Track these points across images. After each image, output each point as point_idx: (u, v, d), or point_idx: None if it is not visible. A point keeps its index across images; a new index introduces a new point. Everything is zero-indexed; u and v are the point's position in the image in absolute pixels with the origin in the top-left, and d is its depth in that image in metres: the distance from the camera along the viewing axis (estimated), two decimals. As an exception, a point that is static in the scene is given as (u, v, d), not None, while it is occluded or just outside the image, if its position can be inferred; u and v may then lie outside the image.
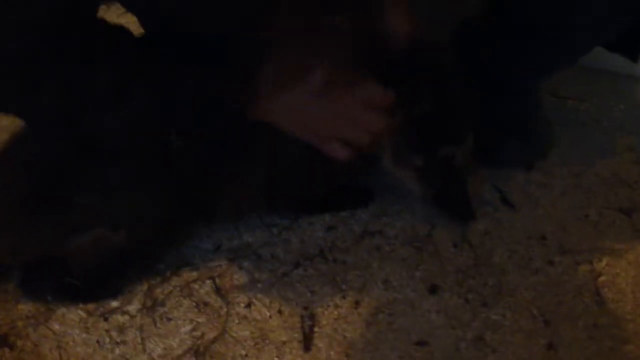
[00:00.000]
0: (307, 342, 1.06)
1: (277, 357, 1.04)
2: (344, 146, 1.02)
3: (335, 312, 1.10)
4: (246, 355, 1.04)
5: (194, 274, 1.14)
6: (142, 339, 1.06)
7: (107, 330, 1.07)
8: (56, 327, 1.07)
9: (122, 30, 0.99)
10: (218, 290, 1.11)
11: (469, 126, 1.13)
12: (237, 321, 1.08)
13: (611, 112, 1.41)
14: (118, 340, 1.06)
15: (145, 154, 1.05)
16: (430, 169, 1.10)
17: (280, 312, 1.09)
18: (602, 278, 1.13)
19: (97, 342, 1.06)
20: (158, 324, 1.08)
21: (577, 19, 1.17)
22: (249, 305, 1.10)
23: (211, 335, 1.06)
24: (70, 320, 1.08)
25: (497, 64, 1.28)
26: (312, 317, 1.09)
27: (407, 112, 1.03)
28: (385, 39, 1.08)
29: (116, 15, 1.24)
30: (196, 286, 1.12)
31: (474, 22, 1.32)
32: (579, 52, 1.25)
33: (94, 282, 1.09)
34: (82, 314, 1.09)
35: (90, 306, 1.10)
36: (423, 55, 1.09)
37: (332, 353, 1.05)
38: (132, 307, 1.10)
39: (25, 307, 1.10)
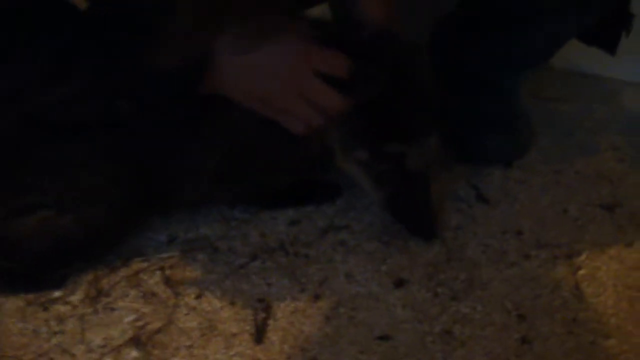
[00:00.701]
0: (258, 334, 0.98)
1: (225, 348, 0.96)
2: (299, 120, 0.98)
3: (292, 305, 1.02)
4: (191, 345, 0.96)
5: (144, 264, 1.07)
6: (82, 328, 0.98)
7: (45, 320, 0.99)
8: (-9, 316, 1.00)
9: (64, 1, 0.95)
10: (167, 281, 1.04)
11: (425, 127, 1.05)
12: (185, 312, 1.00)
13: (594, 113, 1.36)
14: (56, 329, 0.98)
15: (93, 130, 1.00)
16: (378, 166, 1.03)
17: (232, 303, 1.01)
18: (581, 272, 1.05)
19: (34, 331, 0.98)
20: (100, 314, 1.00)
21: (545, 5, 1.14)
22: (199, 297, 1.02)
23: (156, 325, 0.98)
24: (7, 310, 1.00)
25: (474, 59, 1.25)
26: (267, 309, 1.01)
27: (353, 95, 0.98)
28: (355, 23, 1.05)
29: None
30: (145, 277, 1.05)
31: (452, 18, 1.29)
32: (553, 43, 1.21)
33: (37, 269, 1.02)
34: (21, 303, 1.01)
35: (30, 296, 1.02)
36: (386, 44, 1.04)
37: (285, 346, 0.96)
38: (75, 297, 1.02)
39: (-41, 295, 1.03)
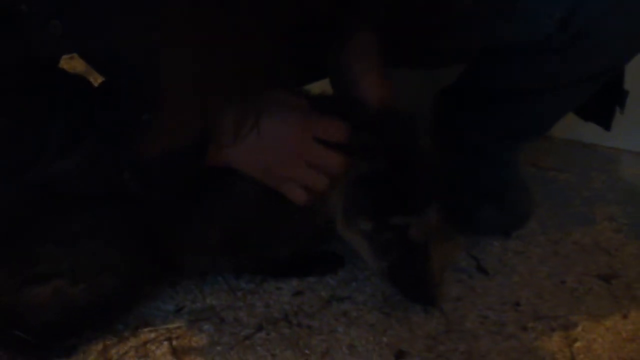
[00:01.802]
0: (262, 406, 1.01)
1: (229, 420, 0.99)
2: (301, 188, 1.02)
3: (296, 377, 1.05)
4: (197, 417, 0.99)
5: (152, 334, 1.10)
6: (90, 399, 1.02)
7: (55, 390, 1.03)
8: (-2, 385, 1.03)
9: (80, 79, 1.00)
10: (174, 352, 1.07)
11: (427, 199, 1.08)
12: (191, 383, 1.04)
13: (592, 182, 1.39)
14: (65, 399, 1.02)
15: (104, 201, 1.04)
16: (381, 237, 1.07)
17: (237, 375, 1.05)
18: (577, 344, 1.07)
19: (43, 401, 1.02)
20: (108, 385, 1.03)
21: (541, 86, 1.18)
22: (205, 368, 1.06)
23: (162, 396, 1.02)
24: (15, 379, 1.04)
25: (472, 131, 1.29)
26: (271, 380, 1.04)
27: (355, 170, 1.03)
28: (356, 102, 1.09)
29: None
30: (153, 347, 1.08)
31: (451, 91, 1.34)
32: (550, 117, 1.25)
33: (47, 339, 1.05)
34: (29, 372, 1.05)
35: (39, 365, 1.06)
36: (386, 119, 1.09)
37: (289, 418, 1.00)
38: (84, 367, 1.06)
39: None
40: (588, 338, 1.08)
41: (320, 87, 1.21)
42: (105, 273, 1.06)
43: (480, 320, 1.12)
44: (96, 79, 1.11)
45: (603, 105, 1.24)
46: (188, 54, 0.82)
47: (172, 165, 0.98)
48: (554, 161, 1.45)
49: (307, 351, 1.08)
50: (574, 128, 1.48)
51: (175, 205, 1.06)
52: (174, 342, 1.08)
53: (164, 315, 1.13)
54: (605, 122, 1.25)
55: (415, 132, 1.11)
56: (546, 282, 1.19)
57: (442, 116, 1.35)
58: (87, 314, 1.07)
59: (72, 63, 1.34)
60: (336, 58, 1.10)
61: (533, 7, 1.09)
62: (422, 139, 1.13)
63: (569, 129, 1.49)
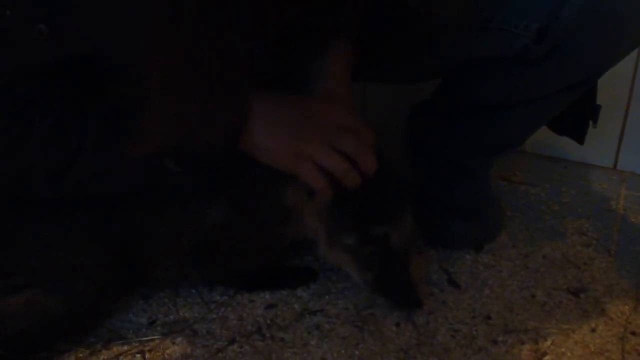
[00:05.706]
0: (234, 420, 1.01)
1: None
2: (320, 171, 1.02)
3: (268, 390, 1.05)
4: None
5: (125, 347, 1.09)
6: (62, 413, 1.01)
7: (26, 404, 1.02)
8: (-31, 398, 1.02)
9: None
10: (147, 365, 1.07)
11: (403, 206, 1.11)
12: (163, 397, 1.04)
13: (562, 196, 1.42)
14: (36, 413, 1.01)
15: (77, 210, 1.04)
16: (365, 250, 1.09)
17: (210, 388, 1.05)
18: (547, 357, 1.08)
19: (14, 415, 1.01)
20: (79, 398, 1.03)
21: (517, 99, 1.19)
22: (178, 382, 1.06)
23: (134, 410, 1.02)
24: (-14, 392, 1.03)
25: (446, 146, 1.30)
26: (243, 393, 1.04)
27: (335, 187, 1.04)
28: None
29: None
30: (125, 360, 1.08)
31: (425, 105, 1.35)
32: (523, 131, 1.27)
33: (20, 350, 1.04)
34: (0, 386, 1.04)
35: (12, 378, 1.05)
36: None
37: None
38: (56, 381, 1.05)
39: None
40: (557, 351, 1.10)
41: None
42: (79, 282, 1.06)
43: (452, 334, 1.13)
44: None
45: (576, 120, 1.26)
46: (171, 59, 0.83)
47: (210, 153, 0.98)
48: (525, 176, 1.47)
49: (279, 364, 1.08)
50: (546, 143, 1.51)
51: (146, 214, 1.07)
52: (147, 355, 1.08)
53: (137, 328, 1.13)
54: (579, 137, 1.27)
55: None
56: (516, 295, 1.20)
57: (414, 131, 1.36)
58: (61, 325, 1.07)
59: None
60: (307, 67, 1.11)
61: (510, 18, 1.10)
62: (391, 150, 1.14)
63: (541, 144, 1.51)
